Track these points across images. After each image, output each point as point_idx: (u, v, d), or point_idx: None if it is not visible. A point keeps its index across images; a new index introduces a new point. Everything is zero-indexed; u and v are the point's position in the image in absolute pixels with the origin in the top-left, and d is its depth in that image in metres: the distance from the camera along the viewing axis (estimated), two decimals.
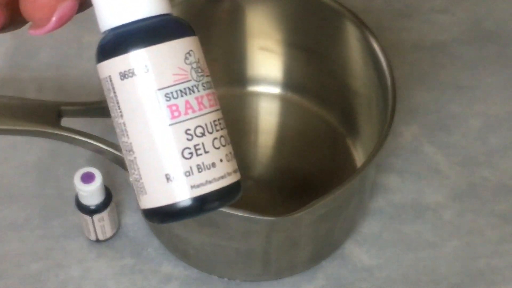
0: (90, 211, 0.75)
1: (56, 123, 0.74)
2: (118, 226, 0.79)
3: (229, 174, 0.44)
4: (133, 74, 0.42)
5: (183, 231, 0.72)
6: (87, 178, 0.73)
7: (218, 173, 0.44)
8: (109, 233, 0.78)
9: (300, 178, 0.81)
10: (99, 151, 0.73)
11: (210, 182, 0.43)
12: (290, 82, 0.86)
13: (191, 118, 0.43)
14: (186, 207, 0.43)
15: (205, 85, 0.44)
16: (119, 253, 0.78)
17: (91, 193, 0.74)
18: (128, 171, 0.71)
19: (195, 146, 0.43)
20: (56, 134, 0.73)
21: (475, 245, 0.79)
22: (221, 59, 0.85)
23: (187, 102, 0.43)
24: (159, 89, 0.42)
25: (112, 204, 0.76)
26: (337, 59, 0.81)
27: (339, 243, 0.78)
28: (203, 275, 0.77)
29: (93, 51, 0.99)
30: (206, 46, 0.85)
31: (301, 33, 0.82)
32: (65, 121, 0.75)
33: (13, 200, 0.81)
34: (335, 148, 0.83)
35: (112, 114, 0.44)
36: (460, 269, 0.78)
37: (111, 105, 0.44)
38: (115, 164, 0.73)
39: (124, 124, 0.43)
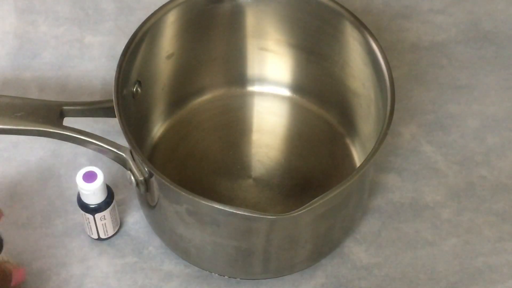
0: (92, 210, 0.76)
1: (58, 123, 0.74)
2: (119, 225, 0.80)
3: None
4: None
5: (185, 229, 0.72)
6: (89, 177, 0.74)
7: None
8: (110, 232, 0.78)
9: (300, 177, 0.81)
10: (100, 150, 0.74)
11: None
12: (290, 82, 0.87)
13: None
14: None
15: None
16: (121, 251, 0.79)
17: (93, 192, 0.74)
18: (129, 170, 0.72)
19: None
20: (58, 133, 0.74)
21: (473, 244, 0.80)
22: (221, 59, 0.86)
23: None
24: None
25: (114, 203, 0.77)
26: (337, 60, 0.81)
27: (339, 242, 0.78)
28: (204, 273, 0.77)
29: (94, 52, 1.00)
30: (207, 46, 0.86)
31: (301, 33, 0.83)
32: (67, 121, 0.75)
33: (15, 199, 0.81)
34: (334, 148, 0.84)
35: None
36: (459, 267, 0.78)
37: None
38: (117, 163, 0.74)
39: None
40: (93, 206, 0.75)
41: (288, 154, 0.84)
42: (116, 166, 0.75)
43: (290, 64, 0.86)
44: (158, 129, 0.84)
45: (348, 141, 0.84)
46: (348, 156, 0.83)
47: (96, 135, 0.74)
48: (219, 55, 0.85)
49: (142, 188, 0.72)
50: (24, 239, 0.79)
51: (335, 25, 0.79)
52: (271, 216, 0.67)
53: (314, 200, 0.67)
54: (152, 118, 0.83)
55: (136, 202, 0.81)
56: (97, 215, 0.76)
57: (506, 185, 0.83)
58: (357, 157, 0.82)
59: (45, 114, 0.74)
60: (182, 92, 0.85)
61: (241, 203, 0.79)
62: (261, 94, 0.88)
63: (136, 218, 0.80)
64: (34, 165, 0.84)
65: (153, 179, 0.70)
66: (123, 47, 0.75)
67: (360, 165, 0.70)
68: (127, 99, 0.75)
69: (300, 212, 0.66)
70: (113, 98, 0.72)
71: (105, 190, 0.75)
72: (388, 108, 0.72)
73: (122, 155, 0.73)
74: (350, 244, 0.79)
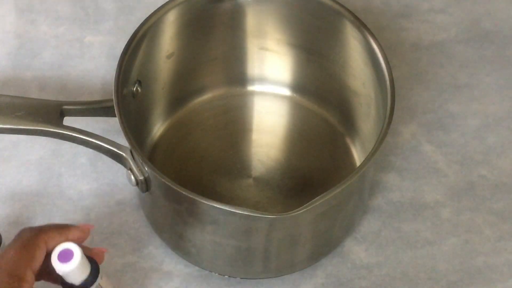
0: None
1: (58, 122, 0.74)
2: None
3: None
4: None
5: (185, 229, 0.73)
6: (65, 256, 0.64)
7: None
8: None
9: (300, 176, 0.81)
10: (100, 149, 0.74)
11: None
12: (290, 82, 0.87)
13: None
14: None
15: None
16: (121, 251, 0.79)
17: (72, 272, 0.64)
18: (129, 170, 0.72)
19: None
20: (59, 133, 0.74)
21: (473, 243, 0.80)
22: (221, 59, 0.86)
23: None
24: None
25: (101, 274, 0.67)
26: (337, 59, 0.82)
27: (339, 241, 0.78)
28: (204, 272, 0.77)
29: (94, 51, 0.99)
30: (207, 46, 0.86)
31: (301, 33, 0.83)
32: (67, 120, 0.75)
33: (15, 199, 0.81)
34: (334, 147, 0.84)
35: None
36: (459, 267, 0.78)
37: None
38: (117, 162, 0.74)
39: None
40: (77, 285, 0.65)
41: (288, 153, 0.84)
42: (116, 165, 0.75)
43: (290, 64, 0.86)
44: (158, 128, 0.84)
45: (348, 140, 0.84)
46: (348, 156, 0.83)
47: (96, 135, 0.74)
48: (219, 55, 0.85)
49: (142, 187, 0.72)
50: None
51: (335, 24, 0.79)
52: (271, 215, 0.67)
53: (314, 199, 0.67)
54: (152, 118, 0.83)
55: (136, 202, 0.81)
56: None
57: (506, 185, 0.83)
58: (357, 157, 0.82)
59: (45, 113, 0.74)
60: (182, 91, 0.85)
61: (241, 203, 0.79)
62: (261, 93, 0.88)
63: (136, 218, 0.80)
64: (34, 165, 0.84)
65: (153, 178, 0.71)
66: (123, 47, 0.75)
67: (360, 164, 0.70)
68: (127, 99, 0.75)
69: (300, 212, 0.66)
70: (113, 97, 0.72)
71: (87, 265, 0.65)
72: (388, 107, 0.72)
73: (122, 154, 0.73)
74: (350, 243, 0.79)
